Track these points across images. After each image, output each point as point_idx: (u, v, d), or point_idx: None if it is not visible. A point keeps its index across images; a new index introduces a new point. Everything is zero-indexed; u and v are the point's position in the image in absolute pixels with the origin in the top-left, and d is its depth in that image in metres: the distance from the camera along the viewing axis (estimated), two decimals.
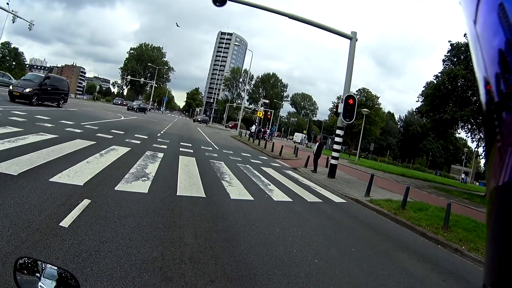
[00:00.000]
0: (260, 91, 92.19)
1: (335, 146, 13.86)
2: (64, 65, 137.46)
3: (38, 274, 0.92)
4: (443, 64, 22.70)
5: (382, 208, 8.41)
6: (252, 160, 13.72)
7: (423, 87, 23.66)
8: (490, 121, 0.38)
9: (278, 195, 7.44)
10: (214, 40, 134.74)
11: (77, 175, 5.29)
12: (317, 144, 15.21)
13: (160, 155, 9.21)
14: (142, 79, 77.50)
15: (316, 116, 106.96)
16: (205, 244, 3.77)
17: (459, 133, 29.16)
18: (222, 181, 7.59)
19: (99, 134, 10.60)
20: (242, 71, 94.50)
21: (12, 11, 30.37)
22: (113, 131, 12.53)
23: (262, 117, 34.45)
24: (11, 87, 17.39)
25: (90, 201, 4.27)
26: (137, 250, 3.24)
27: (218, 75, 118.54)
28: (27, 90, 16.78)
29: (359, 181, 14.18)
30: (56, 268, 0.93)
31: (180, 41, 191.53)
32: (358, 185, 12.72)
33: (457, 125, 22.90)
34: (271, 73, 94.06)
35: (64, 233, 3.24)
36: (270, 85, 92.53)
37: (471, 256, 5.81)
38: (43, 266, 0.94)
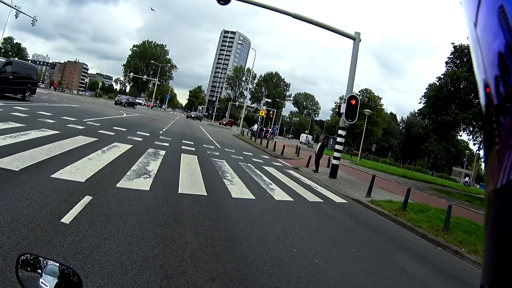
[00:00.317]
0: (263, 90, 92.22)
1: (337, 147, 13.84)
2: (66, 61, 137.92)
3: (40, 271, 0.92)
4: (446, 66, 22.68)
5: (383, 209, 8.40)
6: (254, 159, 13.73)
7: (426, 88, 23.66)
8: (489, 123, 0.38)
9: (279, 195, 7.44)
10: (216, 38, 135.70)
11: (78, 172, 5.30)
12: (319, 144, 15.18)
13: (162, 152, 9.22)
14: (145, 77, 77.55)
15: (318, 116, 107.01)
16: (206, 242, 3.78)
17: (461, 136, 29.22)
18: (224, 180, 7.60)
19: (101, 131, 10.62)
20: (245, 70, 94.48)
21: (15, 6, 30.39)
22: (115, 128, 12.54)
23: (265, 116, 34.37)
24: None
25: (91, 197, 4.28)
26: (138, 247, 3.25)
27: (221, 73, 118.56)
28: None
29: (360, 182, 14.16)
30: (58, 264, 0.93)
31: (183, 39, 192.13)
32: (359, 185, 12.71)
33: (459, 127, 22.88)
34: (273, 72, 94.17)
35: (65, 229, 3.24)
36: (273, 84, 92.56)
37: (471, 258, 5.80)
38: (45, 262, 0.94)
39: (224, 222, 4.71)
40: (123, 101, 41.23)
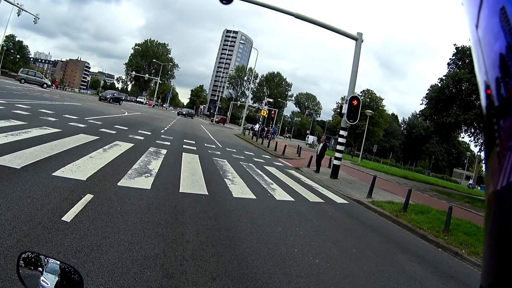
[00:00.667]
0: (265, 90, 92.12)
1: (338, 147, 13.84)
2: (68, 59, 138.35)
3: (41, 269, 0.92)
4: (448, 67, 22.66)
5: (384, 210, 8.40)
6: (255, 159, 13.73)
7: (427, 90, 23.66)
8: (489, 125, 0.38)
9: (280, 195, 7.44)
10: (218, 38, 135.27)
11: (80, 170, 5.31)
12: (321, 144, 15.15)
13: (163, 151, 9.23)
14: (147, 75, 77.69)
15: (319, 117, 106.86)
16: (207, 241, 3.78)
17: (462, 137, 29.15)
18: (225, 179, 7.60)
19: (102, 129, 10.63)
20: (247, 69, 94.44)
21: (17, 4, 30.47)
22: (116, 126, 12.55)
23: (266, 116, 34.40)
24: None
25: (92, 196, 4.28)
26: (139, 246, 3.25)
27: (223, 72, 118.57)
28: None
29: (361, 182, 14.15)
30: (59, 262, 0.93)
31: (185, 38, 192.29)
32: (360, 186, 12.69)
33: (461, 128, 22.87)
34: (275, 72, 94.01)
35: (66, 227, 3.25)
36: (275, 84, 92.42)
37: (471, 260, 5.79)
38: (46, 260, 0.94)
39: (225, 221, 4.71)
40: (108, 96, 36.82)
